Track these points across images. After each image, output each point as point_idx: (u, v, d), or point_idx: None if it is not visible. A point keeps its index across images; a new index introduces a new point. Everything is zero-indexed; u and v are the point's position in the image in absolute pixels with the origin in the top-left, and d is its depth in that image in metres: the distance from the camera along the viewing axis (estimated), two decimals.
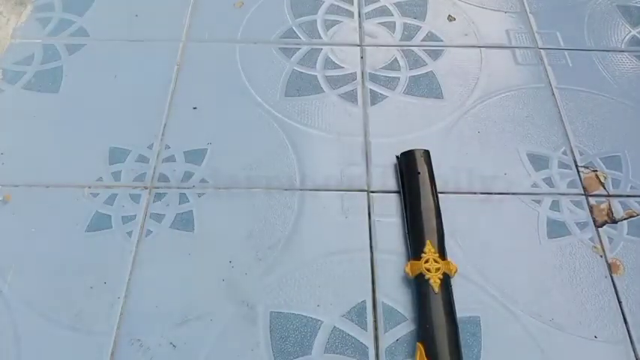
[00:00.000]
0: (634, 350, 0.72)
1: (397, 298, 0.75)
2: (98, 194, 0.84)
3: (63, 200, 0.84)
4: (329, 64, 1.03)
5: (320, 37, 1.07)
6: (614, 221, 0.83)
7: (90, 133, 0.92)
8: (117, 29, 1.08)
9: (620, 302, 0.76)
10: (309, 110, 0.96)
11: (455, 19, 1.11)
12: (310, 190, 0.86)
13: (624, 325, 0.74)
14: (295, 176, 0.87)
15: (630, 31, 1.10)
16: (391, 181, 0.87)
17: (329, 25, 1.10)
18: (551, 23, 1.11)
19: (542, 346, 0.72)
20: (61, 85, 0.99)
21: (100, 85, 0.99)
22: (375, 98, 0.98)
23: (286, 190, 0.86)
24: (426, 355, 0.69)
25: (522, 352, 0.72)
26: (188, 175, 0.87)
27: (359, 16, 1.11)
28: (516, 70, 1.03)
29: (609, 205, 0.85)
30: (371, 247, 0.80)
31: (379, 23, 1.10)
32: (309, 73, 1.01)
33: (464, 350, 0.70)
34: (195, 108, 0.95)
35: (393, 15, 1.12)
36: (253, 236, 0.81)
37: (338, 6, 1.13)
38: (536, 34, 1.09)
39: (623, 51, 1.07)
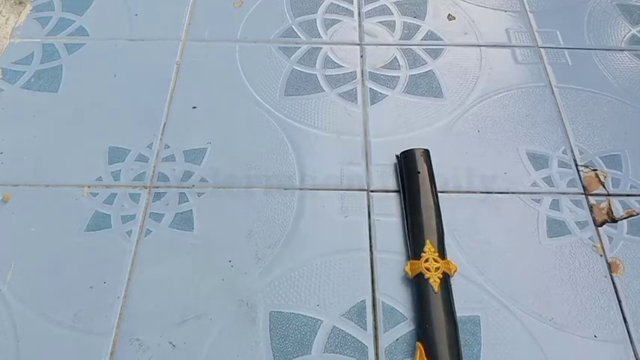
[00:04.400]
0: (634, 350, 0.72)
1: (397, 298, 0.75)
2: (98, 194, 0.84)
3: (62, 200, 0.84)
4: (329, 63, 1.03)
5: (320, 36, 1.07)
6: (614, 220, 0.83)
7: (89, 132, 0.92)
8: (116, 29, 1.07)
9: (619, 301, 0.76)
10: (308, 109, 0.96)
11: (455, 18, 1.11)
12: (310, 189, 0.86)
13: (624, 324, 0.74)
14: (295, 175, 0.87)
15: (630, 30, 1.10)
16: (391, 181, 0.87)
17: (329, 24, 1.09)
18: (551, 22, 1.11)
19: (542, 345, 0.72)
20: (61, 84, 0.99)
21: (100, 85, 0.99)
22: (375, 97, 0.98)
23: (286, 189, 0.86)
24: (426, 355, 0.69)
25: (522, 352, 0.72)
26: (188, 175, 0.87)
27: (359, 15, 1.11)
28: (516, 69, 1.03)
29: (609, 204, 0.85)
30: (371, 246, 0.80)
31: (379, 22, 1.10)
32: (309, 72, 1.01)
33: (464, 349, 0.70)
34: (194, 107, 0.95)
35: (392, 14, 1.12)
36: (253, 235, 0.81)
37: (338, 5, 1.13)
38: (536, 33, 1.09)
39: (623, 50, 1.07)
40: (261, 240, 0.80)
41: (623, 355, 0.72)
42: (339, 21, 1.10)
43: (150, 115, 0.94)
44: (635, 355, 0.72)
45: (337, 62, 1.03)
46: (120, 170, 0.87)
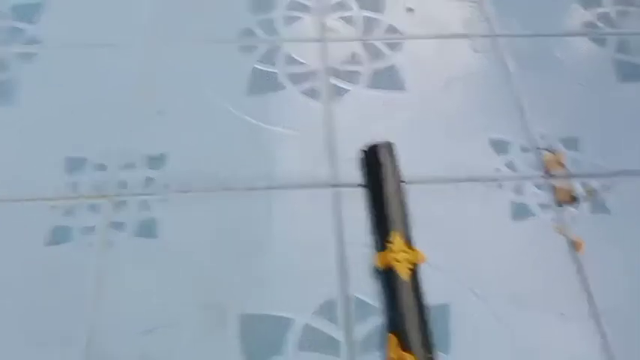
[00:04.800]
0: (599, 325, 0.74)
1: (367, 291, 0.75)
2: (57, 207, 0.82)
3: (20, 214, 0.81)
4: (290, 60, 1.02)
5: (280, 34, 1.06)
6: (576, 200, 0.85)
7: (47, 143, 0.89)
8: (73, 34, 1.05)
9: (584, 279, 0.78)
10: (272, 108, 0.95)
11: (413, 10, 1.12)
12: (277, 188, 0.85)
13: (589, 301, 0.76)
14: (261, 175, 0.86)
15: (584, 14, 1.12)
16: (357, 175, 0.87)
17: (289, 21, 1.09)
18: (509, 10, 1.13)
19: (512, 327, 0.73)
20: (16, 96, 0.96)
21: (57, 94, 0.96)
22: (338, 93, 0.98)
23: (252, 189, 0.85)
24: (398, 345, 0.69)
25: (493, 336, 0.72)
26: (149, 181, 0.85)
27: (318, 11, 1.11)
28: (476, 59, 1.04)
29: (570, 185, 0.87)
30: (340, 241, 0.80)
31: (339, 18, 1.10)
32: (271, 70, 1.00)
33: (435, 338, 0.71)
34: (156, 112, 0.94)
35: (352, 9, 1.12)
36: (220, 239, 0.80)
37: (297, 2, 1.12)
38: (494, 22, 1.10)
39: (578, 34, 1.09)
40: (228, 242, 0.79)
41: (590, 332, 0.73)
42: (299, 18, 1.10)
43: (109, 123, 0.92)
44: (602, 330, 0.73)
45: (299, 60, 1.02)
46: (79, 181, 0.85)
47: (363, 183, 0.86)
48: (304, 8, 1.11)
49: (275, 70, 1.00)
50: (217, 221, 0.81)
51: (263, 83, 0.98)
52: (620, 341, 0.72)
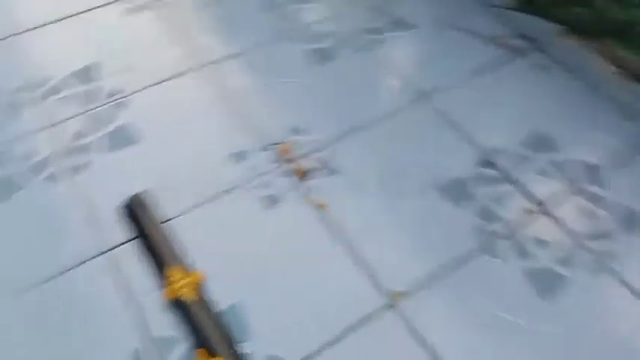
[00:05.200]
0: (354, 255, 0.91)
1: (167, 326, 0.82)
2: None
3: None
4: (21, 157, 1.02)
5: (3, 134, 1.06)
6: (310, 173, 1.03)
7: None
8: None
9: (328, 228, 0.95)
10: (18, 208, 0.95)
11: (133, 69, 1.19)
12: (52, 278, 0.87)
13: (340, 241, 0.93)
14: (28, 275, 0.87)
15: (270, 18, 1.32)
16: (126, 231, 0.93)
17: (9, 119, 1.08)
18: (216, 37, 1.27)
19: (294, 298, 0.87)
20: None
21: None
22: (80, 168, 1.01)
23: (29, 289, 0.85)
24: (207, 356, 0.78)
25: (281, 313, 0.85)
26: None
27: (38, 98, 1.12)
28: (199, 89, 1.16)
29: (303, 163, 1.04)
30: (130, 295, 0.85)
31: (59, 99, 1.13)
32: (5, 173, 1.00)
33: (236, 333, 0.81)
34: None
35: (70, 86, 1.15)
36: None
37: (12, 111, 1.11)
38: (206, 51, 1.23)
39: (277, 39, 1.29)
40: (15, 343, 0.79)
41: (349, 263, 0.90)
42: (19, 114, 1.10)
43: None
44: (354, 256, 0.91)
45: (30, 152, 1.03)
46: None
47: (133, 236, 0.92)
48: (20, 105, 1.11)
49: (10, 172, 1.00)
50: None
51: (1, 188, 0.98)
52: (372, 257, 0.91)
